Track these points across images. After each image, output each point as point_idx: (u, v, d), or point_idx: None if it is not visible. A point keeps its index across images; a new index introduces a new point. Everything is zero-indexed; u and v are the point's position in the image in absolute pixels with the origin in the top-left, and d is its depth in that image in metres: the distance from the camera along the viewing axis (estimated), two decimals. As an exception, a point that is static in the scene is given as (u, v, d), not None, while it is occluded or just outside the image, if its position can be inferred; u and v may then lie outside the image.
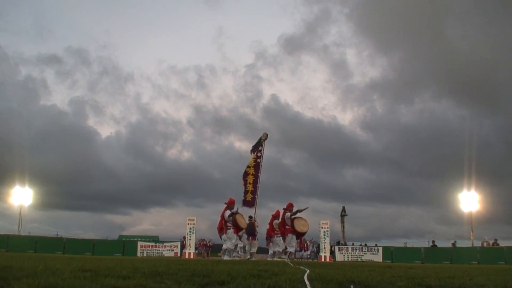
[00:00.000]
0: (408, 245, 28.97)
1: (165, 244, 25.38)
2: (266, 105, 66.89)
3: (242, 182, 19.82)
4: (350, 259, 23.95)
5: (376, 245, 26.46)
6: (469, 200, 27.44)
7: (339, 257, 24.23)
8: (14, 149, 40.82)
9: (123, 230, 56.47)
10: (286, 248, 16.38)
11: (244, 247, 17.72)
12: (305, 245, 28.10)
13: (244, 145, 58.13)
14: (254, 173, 19.73)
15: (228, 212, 15.26)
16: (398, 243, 32.46)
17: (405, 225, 53.23)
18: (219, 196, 56.56)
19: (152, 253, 24.25)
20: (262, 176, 19.97)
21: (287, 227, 15.97)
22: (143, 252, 24.33)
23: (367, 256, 24.14)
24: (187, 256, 18.85)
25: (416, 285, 4.20)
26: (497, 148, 51.64)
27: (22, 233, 28.68)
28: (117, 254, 23.86)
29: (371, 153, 60.11)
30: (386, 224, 53.69)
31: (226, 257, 14.60)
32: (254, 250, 18.00)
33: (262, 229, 18.55)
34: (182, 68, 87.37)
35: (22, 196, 29.19)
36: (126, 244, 26.09)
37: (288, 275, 4.72)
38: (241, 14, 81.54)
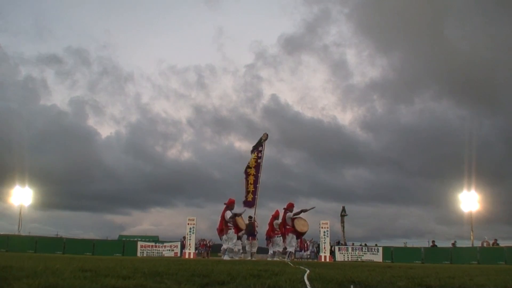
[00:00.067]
0: (408, 245, 28.99)
1: (165, 244, 25.37)
2: (266, 105, 67.00)
3: (244, 182, 19.83)
4: (350, 259, 23.95)
5: (376, 245, 26.47)
6: (469, 200, 27.44)
7: (339, 257, 24.22)
8: (14, 149, 40.88)
9: (123, 230, 56.52)
10: (285, 248, 16.38)
11: (244, 247, 17.73)
12: (305, 245, 28.09)
13: (244, 145, 58.19)
14: (254, 173, 19.75)
15: (229, 213, 15.26)
16: (398, 243, 32.53)
17: (405, 225, 53.31)
18: (219, 196, 56.55)
19: (152, 253, 24.24)
20: (262, 176, 20.01)
21: (287, 227, 15.95)
22: (143, 252, 24.33)
23: (367, 256, 24.14)
24: (187, 256, 18.85)
25: (416, 285, 4.20)
26: (497, 148, 51.70)
27: (22, 233, 28.72)
28: (117, 254, 23.85)
29: (371, 153, 60.21)
30: (386, 224, 53.77)
31: (226, 257, 14.61)
32: (254, 250, 18.02)
33: (262, 229, 18.58)
34: (182, 68, 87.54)
35: (22, 196, 29.20)
36: (126, 244, 26.09)
37: (288, 275, 4.72)
38: (241, 14, 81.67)
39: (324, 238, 20.39)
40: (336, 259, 23.54)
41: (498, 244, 24.96)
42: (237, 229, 15.66)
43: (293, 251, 16.42)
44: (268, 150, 20.52)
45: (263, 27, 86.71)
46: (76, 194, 57.93)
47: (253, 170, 19.71)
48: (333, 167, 66.33)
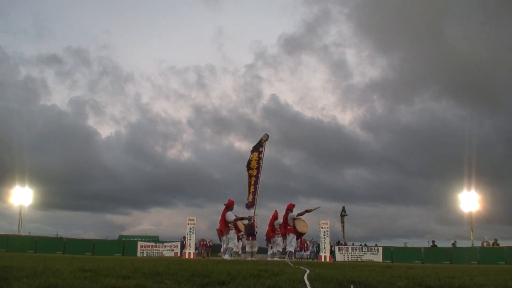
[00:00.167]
0: (408, 245, 29.00)
1: (165, 244, 25.38)
2: (266, 105, 66.99)
3: (247, 183, 19.83)
4: (350, 259, 23.95)
5: (376, 245, 26.48)
6: (469, 200, 27.46)
7: (339, 257, 24.23)
8: (14, 149, 40.82)
9: (123, 230, 56.53)
10: (285, 247, 16.40)
11: (244, 247, 17.76)
12: (305, 245, 28.11)
13: (244, 145, 58.26)
14: (255, 174, 19.76)
15: (231, 215, 15.30)
16: (398, 243, 32.53)
17: (405, 225, 53.31)
18: (219, 196, 56.63)
19: (152, 253, 24.25)
20: (262, 176, 19.99)
21: (288, 227, 16.00)
22: (143, 252, 24.33)
23: (367, 256, 24.14)
24: (187, 256, 18.86)
25: (416, 285, 4.20)
26: (497, 148, 51.71)
27: (22, 233, 28.74)
28: (117, 254, 23.86)
29: (371, 153, 60.21)
30: (386, 224, 53.78)
31: (226, 256, 14.65)
32: (255, 249, 18.04)
33: (262, 229, 18.59)
34: (182, 68, 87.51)
35: (22, 196, 29.22)
36: (126, 244, 26.09)
37: (288, 275, 4.72)
38: (241, 14, 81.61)
39: (324, 238, 20.40)
40: (336, 259, 23.54)
41: (498, 244, 24.97)
42: (237, 230, 15.71)
43: (293, 251, 16.45)
44: (268, 150, 20.52)
45: (263, 27, 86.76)
46: (76, 194, 58.02)
47: (254, 172, 19.73)
48: (333, 167, 66.41)
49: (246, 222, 16.77)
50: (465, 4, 50.08)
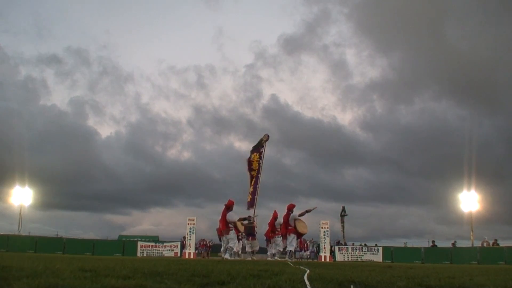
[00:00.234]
0: (408, 245, 28.98)
1: (165, 244, 25.38)
2: (266, 105, 66.84)
3: (248, 183, 19.82)
4: (350, 259, 23.95)
5: (376, 245, 26.48)
6: (469, 200, 27.46)
7: (339, 257, 24.23)
8: (14, 149, 40.83)
9: (123, 230, 56.38)
10: (285, 247, 16.43)
11: (244, 247, 17.77)
12: (305, 245, 28.12)
13: (244, 145, 58.21)
14: (256, 174, 19.77)
15: (232, 215, 15.33)
16: (398, 243, 32.47)
17: (405, 225, 53.26)
18: (219, 196, 56.54)
19: (152, 253, 24.25)
20: (262, 176, 19.99)
21: (290, 227, 16.05)
22: (143, 252, 24.34)
23: (367, 256, 24.14)
24: (187, 256, 18.87)
25: (416, 285, 4.20)
26: (497, 148, 51.67)
27: (22, 233, 28.73)
28: (117, 254, 23.86)
29: (371, 153, 60.11)
30: (386, 224, 53.75)
31: (227, 256, 14.68)
32: (256, 248, 18.06)
33: (262, 229, 18.59)
34: (181, 68, 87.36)
35: (22, 196, 29.22)
36: (126, 244, 26.10)
37: (288, 275, 4.72)
38: (241, 14, 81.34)
39: (324, 238, 20.40)
40: (336, 259, 23.55)
41: (498, 244, 24.98)
42: (236, 230, 15.75)
43: (293, 250, 16.52)
44: (268, 150, 20.51)
45: (263, 27, 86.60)
46: (76, 194, 57.90)
47: (255, 172, 19.75)
48: (333, 167, 66.28)
49: (246, 222, 16.81)
50: (465, 4, 50.09)
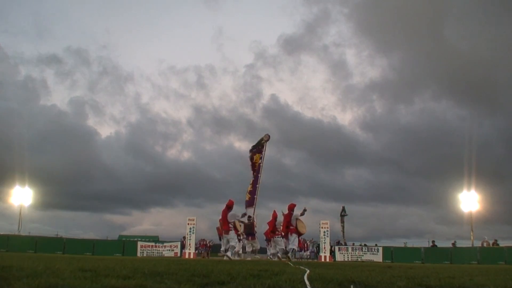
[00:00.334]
0: (408, 245, 28.97)
1: (165, 244, 25.37)
2: (266, 105, 66.83)
3: (250, 183, 19.84)
4: (350, 259, 23.95)
5: (376, 245, 26.47)
6: (469, 200, 27.44)
7: (339, 257, 24.23)
8: (14, 149, 40.79)
9: (123, 230, 56.40)
10: (286, 247, 16.44)
11: (244, 247, 17.79)
12: (305, 245, 28.12)
13: (244, 145, 58.16)
14: (256, 174, 19.80)
15: (233, 215, 15.35)
16: (398, 243, 32.47)
17: (405, 225, 53.25)
18: (219, 196, 56.61)
19: (152, 253, 24.25)
20: (262, 176, 20.02)
21: (291, 227, 16.07)
22: (143, 252, 24.34)
23: (367, 256, 24.14)
24: (187, 256, 18.88)
25: (416, 285, 4.20)
26: (497, 148, 51.64)
27: (22, 233, 28.70)
28: (117, 254, 23.86)
29: (371, 153, 60.08)
30: (386, 224, 53.73)
31: (228, 254, 14.71)
32: (257, 247, 18.07)
33: (261, 228, 18.60)
34: (181, 68, 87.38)
35: (22, 196, 29.20)
36: (126, 244, 26.09)
37: (288, 275, 4.72)
38: (241, 14, 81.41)
39: (324, 238, 20.41)
40: (336, 259, 23.54)
41: (498, 244, 24.97)
42: (235, 230, 15.78)
43: (295, 248, 16.56)
44: (268, 150, 20.55)
45: (262, 27, 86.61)
46: (76, 194, 57.89)
47: (256, 173, 19.80)
48: (333, 167, 66.25)
49: (245, 220, 16.78)
50: (465, 4, 50.09)
